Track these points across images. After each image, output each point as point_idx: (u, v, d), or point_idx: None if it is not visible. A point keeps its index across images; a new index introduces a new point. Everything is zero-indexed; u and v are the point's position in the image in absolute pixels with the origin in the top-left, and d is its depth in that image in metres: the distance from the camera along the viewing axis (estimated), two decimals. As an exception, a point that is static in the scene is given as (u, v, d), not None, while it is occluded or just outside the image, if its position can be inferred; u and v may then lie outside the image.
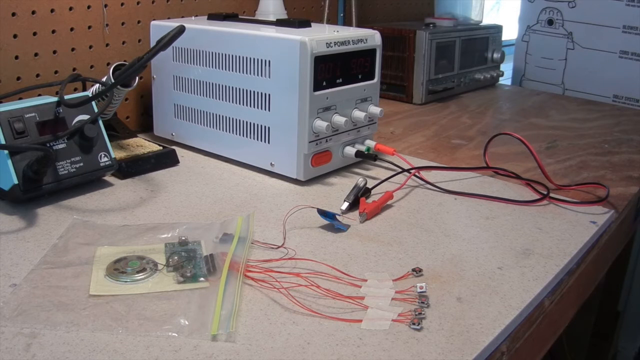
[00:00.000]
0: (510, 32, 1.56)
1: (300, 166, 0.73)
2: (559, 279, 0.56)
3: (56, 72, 0.84)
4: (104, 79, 0.74)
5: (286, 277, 0.51)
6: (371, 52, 0.78)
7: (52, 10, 0.81)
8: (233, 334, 0.44)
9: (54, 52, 0.83)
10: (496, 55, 1.37)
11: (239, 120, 0.78)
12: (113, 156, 0.70)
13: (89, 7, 0.85)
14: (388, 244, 0.59)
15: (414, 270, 0.53)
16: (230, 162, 0.81)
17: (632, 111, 1.24)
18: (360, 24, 1.28)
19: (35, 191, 0.63)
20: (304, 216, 0.64)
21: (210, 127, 0.82)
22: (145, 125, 0.95)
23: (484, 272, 0.54)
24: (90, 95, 0.70)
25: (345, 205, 0.66)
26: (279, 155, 0.75)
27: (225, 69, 0.77)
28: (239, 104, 0.77)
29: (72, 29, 0.84)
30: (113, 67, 0.73)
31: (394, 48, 1.21)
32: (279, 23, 0.78)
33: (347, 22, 1.31)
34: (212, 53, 0.78)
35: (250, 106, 0.76)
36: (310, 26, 0.77)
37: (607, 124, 1.11)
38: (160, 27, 0.83)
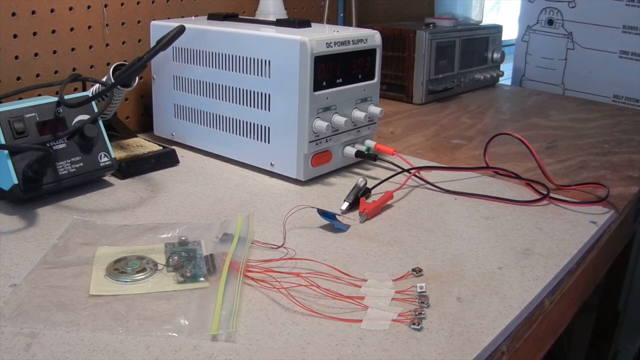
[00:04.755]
0: (510, 32, 1.56)
1: (300, 166, 0.73)
2: (559, 279, 0.56)
3: (56, 72, 0.84)
4: (104, 79, 0.74)
5: (286, 277, 0.51)
6: (371, 52, 0.78)
7: (52, 10, 0.81)
8: (233, 334, 0.44)
9: (54, 52, 0.83)
10: (496, 55, 1.37)
11: (239, 120, 0.78)
12: (113, 156, 0.70)
13: (89, 7, 0.85)
14: (388, 244, 0.59)
15: (414, 270, 0.53)
16: (230, 162, 0.81)
17: (632, 111, 1.24)
18: (360, 24, 1.28)
19: (35, 191, 0.63)
20: (304, 216, 0.64)
21: (210, 127, 0.82)
22: (145, 125, 0.95)
23: (484, 272, 0.54)
24: (90, 95, 0.70)
25: (345, 205, 0.66)
26: (279, 155, 0.75)
27: (225, 69, 0.77)
28: (239, 104, 0.77)
29: (72, 29, 0.84)
30: (113, 67, 0.73)
31: (394, 48, 1.21)
32: (279, 23, 0.78)
33: (347, 22, 1.31)
34: (212, 53, 0.78)
35: (250, 106, 0.76)
36: (310, 26, 0.77)
37: (607, 124, 1.11)
38: (160, 27, 0.83)
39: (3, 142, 0.62)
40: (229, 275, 0.50)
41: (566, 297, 0.57)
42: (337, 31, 0.75)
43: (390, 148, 0.80)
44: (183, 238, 0.56)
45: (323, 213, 0.61)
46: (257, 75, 0.74)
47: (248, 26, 0.79)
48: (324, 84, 0.72)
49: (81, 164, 0.67)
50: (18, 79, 0.80)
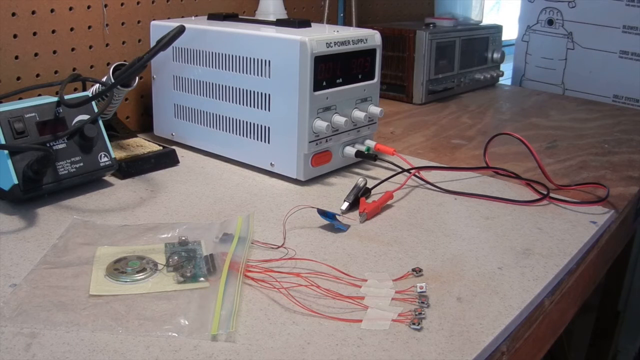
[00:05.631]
0: (510, 32, 1.56)
1: (300, 166, 0.73)
2: (559, 279, 0.56)
3: (56, 72, 0.84)
4: (104, 79, 0.74)
5: (286, 277, 0.51)
6: (371, 52, 0.78)
7: (52, 10, 0.81)
8: (233, 334, 0.44)
9: (54, 52, 0.83)
10: (496, 55, 1.37)
11: (239, 120, 0.78)
12: (113, 156, 0.70)
13: (89, 7, 0.85)
14: (388, 244, 0.59)
15: (414, 270, 0.53)
16: (230, 162, 0.81)
17: (632, 111, 1.24)
18: (360, 24, 1.28)
19: (35, 191, 0.63)
20: (304, 216, 0.64)
21: (210, 127, 0.82)
22: (145, 125, 0.95)
23: (484, 272, 0.54)
24: (90, 95, 0.70)
25: (345, 205, 0.66)
26: (279, 155, 0.75)
27: (225, 69, 0.77)
28: (239, 104, 0.77)
29: (72, 29, 0.84)
30: (113, 67, 0.73)
31: (394, 48, 1.21)
32: (279, 23, 0.78)
33: (347, 22, 1.31)
34: (212, 53, 0.78)
35: (250, 106, 0.76)
36: (310, 26, 0.77)
37: (607, 124, 1.11)
38: (160, 27, 0.83)
39: (3, 142, 0.62)
40: (229, 275, 0.50)
41: (566, 297, 0.57)
42: (337, 31, 0.75)
43: (390, 148, 0.80)
44: (183, 238, 0.56)
45: (323, 213, 0.61)
46: (257, 75, 0.74)
47: (248, 26, 0.79)
48: (324, 84, 0.72)
49: (81, 164, 0.67)
50: (18, 79, 0.80)
